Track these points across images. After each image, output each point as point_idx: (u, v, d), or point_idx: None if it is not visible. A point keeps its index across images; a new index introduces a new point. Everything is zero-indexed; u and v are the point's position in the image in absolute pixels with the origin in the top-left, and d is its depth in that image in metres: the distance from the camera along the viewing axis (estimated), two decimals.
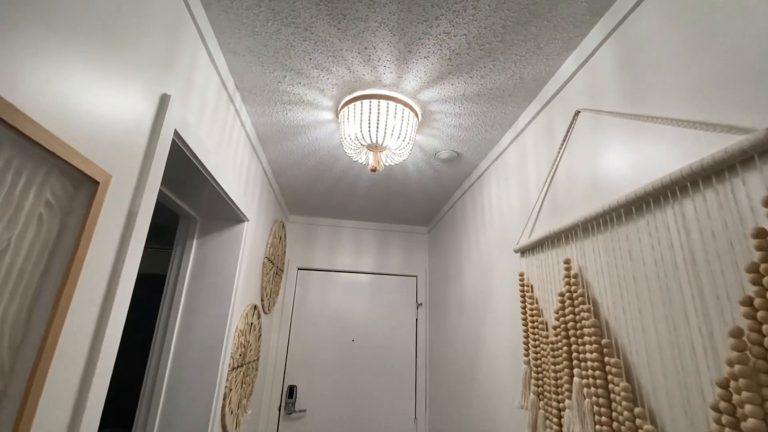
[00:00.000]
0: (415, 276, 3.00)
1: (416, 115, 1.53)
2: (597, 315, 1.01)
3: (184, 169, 1.25)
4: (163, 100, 0.94)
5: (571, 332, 1.07)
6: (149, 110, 0.89)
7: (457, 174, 2.13)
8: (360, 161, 1.66)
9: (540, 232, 1.36)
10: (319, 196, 2.58)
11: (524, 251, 1.44)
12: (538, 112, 1.43)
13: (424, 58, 1.26)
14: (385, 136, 1.45)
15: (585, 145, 1.14)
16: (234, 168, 1.58)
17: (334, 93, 1.47)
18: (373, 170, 1.54)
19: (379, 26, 1.14)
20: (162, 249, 3.08)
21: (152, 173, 0.89)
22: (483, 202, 1.96)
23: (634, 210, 0.90)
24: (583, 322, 1.01)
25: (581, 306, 1.03)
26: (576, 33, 1.14)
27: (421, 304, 2.90)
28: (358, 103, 1.45)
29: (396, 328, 2.85)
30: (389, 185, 2.34)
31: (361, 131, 1.45)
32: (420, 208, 2.71)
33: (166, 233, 3.10)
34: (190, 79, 1.10)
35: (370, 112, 1.43)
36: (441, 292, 2.64)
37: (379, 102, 1.43)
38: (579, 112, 1.19)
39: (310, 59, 1.29)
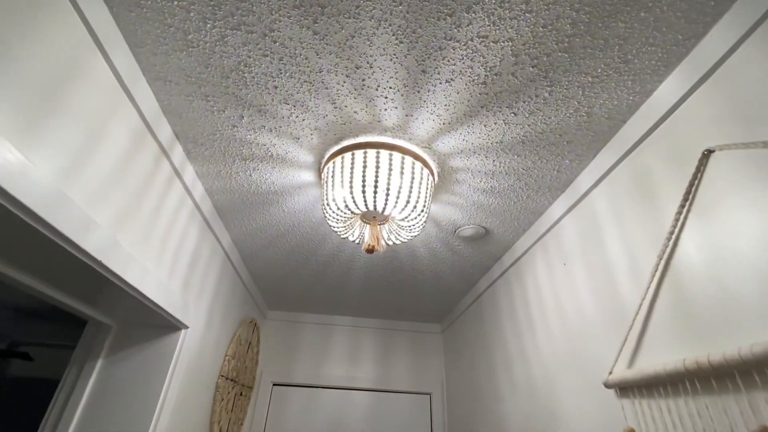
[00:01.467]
0: (429, 394, 2.27)
1: (431, 173, 1.07)
2: None
3: (57, 254, 0.74)
4: None
5: None
6: None
7: (482, 257, 1.61)
8: (353, 239, 1.16)
9: (660, 359, 0.78)
10: (304, 285, 2.03)
11: (626, 389, 0.84)
12: (616, 164, 0.97)
13: (446, 82, 0.83)
14: (387, 202, 0.97)
15: (746, 202, 0.64)
16: (164, 252, 1.07)
17: (313, 141, 1.03)
18: (370, 251, 1.03)
19: (378, 26, 0.73)
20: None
21: None
22: (526, 297, 1.40)
23: None
24: None
25: None
26: (688, 33, 0.72)
27: None
28: (347, 155, 1.00)
29: None
30: (393, 272, 1.80)
31: (352, 194, 0.97)
32: (432, 301, 2.13)
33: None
34: (54, 93, 0.65)
35: (364, 167, 0.97)
36: (467, 420, 1.91)
37: (378, 153, 0.98)
38: (710, 152, 0.72)
39: (276, 87, 0.87)
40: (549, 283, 1.25)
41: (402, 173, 0.98)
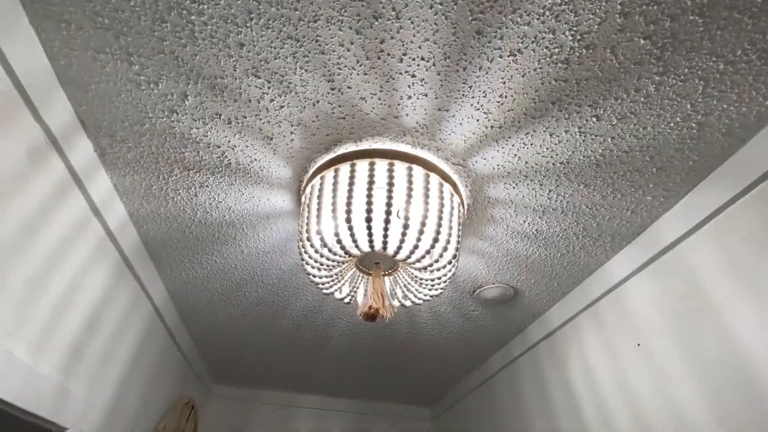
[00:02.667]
0: None
1: (462, 203, 0.75)
2: None
3: None
4: None
5: None
6: None
7: (503, 326, 1.24)
8: (341, 297, 0.78)
9: None
10: (264, 355, 1.56)
11: None
12: (729, 203, 0.68)
13: (510, 54, 0.54)
14: (403, 240, 0.62)
15: None
16: (26, 307, 0.66)
17: (294, 144, 0.69)
18: (371, 317, 0.66)
19: None
20: None
21: None
22: (571, 388, 1.02)
23: None
24: None
25: None
26: None
27: None
28: (344, 166, 0.67)
29: None
30: (382, 341, 1.39)
31: (349, 226, 0.62)
32: (424, 379, 1.70)
33: None
34: None
35: (370, 184, 0.64)
36: None
37: (391, 165, 0.66)
38: None
39: (241, 46, 0.55)
40: (611, 370, 0.89)
41: (427, 197, 0.65)
